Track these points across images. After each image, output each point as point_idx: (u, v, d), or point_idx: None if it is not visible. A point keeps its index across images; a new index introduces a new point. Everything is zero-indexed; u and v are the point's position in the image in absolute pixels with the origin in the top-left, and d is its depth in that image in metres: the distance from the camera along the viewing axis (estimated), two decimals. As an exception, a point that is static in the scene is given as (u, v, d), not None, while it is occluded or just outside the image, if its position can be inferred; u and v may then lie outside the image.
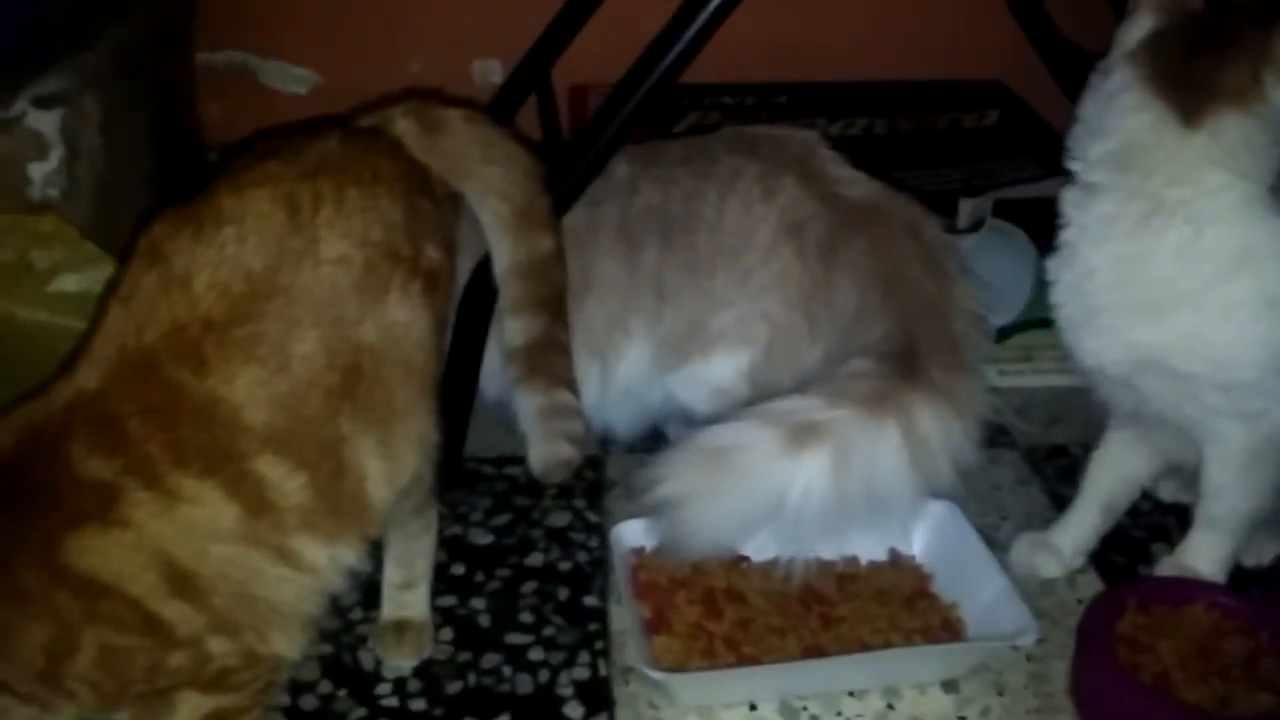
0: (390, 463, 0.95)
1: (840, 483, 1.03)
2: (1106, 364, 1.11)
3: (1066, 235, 1.12)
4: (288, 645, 0.93)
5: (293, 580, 0.91)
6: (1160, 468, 1.24)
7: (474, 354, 1.27)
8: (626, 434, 1.37)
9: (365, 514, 0.95)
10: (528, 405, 1.17)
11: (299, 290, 0.89)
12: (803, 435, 1.03)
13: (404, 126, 1.07)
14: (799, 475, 1.02)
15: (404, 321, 0.95)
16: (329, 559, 0.93)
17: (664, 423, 1.38)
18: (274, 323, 0.88)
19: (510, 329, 1.17)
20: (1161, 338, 1.06)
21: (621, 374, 1.31)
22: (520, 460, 1.37)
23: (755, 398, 1.23)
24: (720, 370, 1.26)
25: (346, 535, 0.94)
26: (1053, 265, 1.14)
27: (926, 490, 1.08)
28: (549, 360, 1.16)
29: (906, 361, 1.10)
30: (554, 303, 1.17)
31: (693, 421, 1.34)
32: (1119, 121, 1.06)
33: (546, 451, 1.17)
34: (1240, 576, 1.21)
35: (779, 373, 1.24)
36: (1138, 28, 1.08)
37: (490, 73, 1.95)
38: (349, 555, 0.94)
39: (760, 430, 1.04)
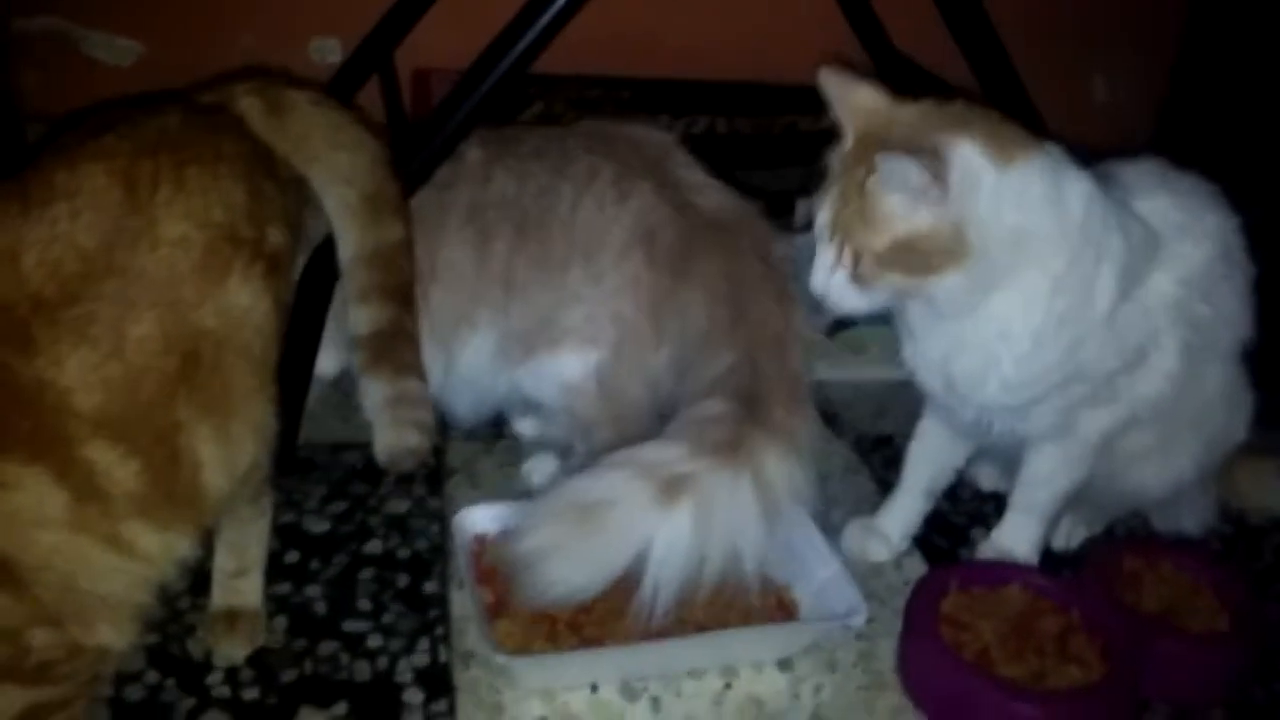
0: (227, 450, 0.92)
1: (700, 535, 1.04)
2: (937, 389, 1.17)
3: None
4: (115, 636, 0.88)
5: (123, 569, 0.87)
6: (973, 451, 1.31)
7: (311, 338, 1.24)
8: (467, 420, 1.36)
9: (200, 502, 0.91)
10: (373, 393, 1.14)
11: (135, 271, 0.85)
12: (669, 489, 1.03)
13: (247, 105, 1.04)
14: (663, 530, 1.03)
15: (245, 306, 0.92)
16: (161, 547, 0.89)
17: (507, 411, 1.37)
18: (108, 304, 0.84)
19: (356, 317, 1.14)
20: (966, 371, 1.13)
21: (464, 363, 1.29)
22: (357, 446, 1.37)
23: (602, 395, 1.25)
24: (569, 366, 1.26)
25: (181, 523, 0.90)
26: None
27: (772, 530, 1.10)
28: (396, 349, 1.14)
29: (754, 403, 1.12)
30: (402, 291, 1.15)
31: (537, 412, 1.35)
32: None
33: (393, 439, 1.14)
34: (1050, 559, 1.29)
35: (626, 374, 1.25)
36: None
37: (328, 51, 1.91)
38: (183, 544, 0.91)
39: (629, 483, 1.03)
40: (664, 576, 1.03)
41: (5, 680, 0.84)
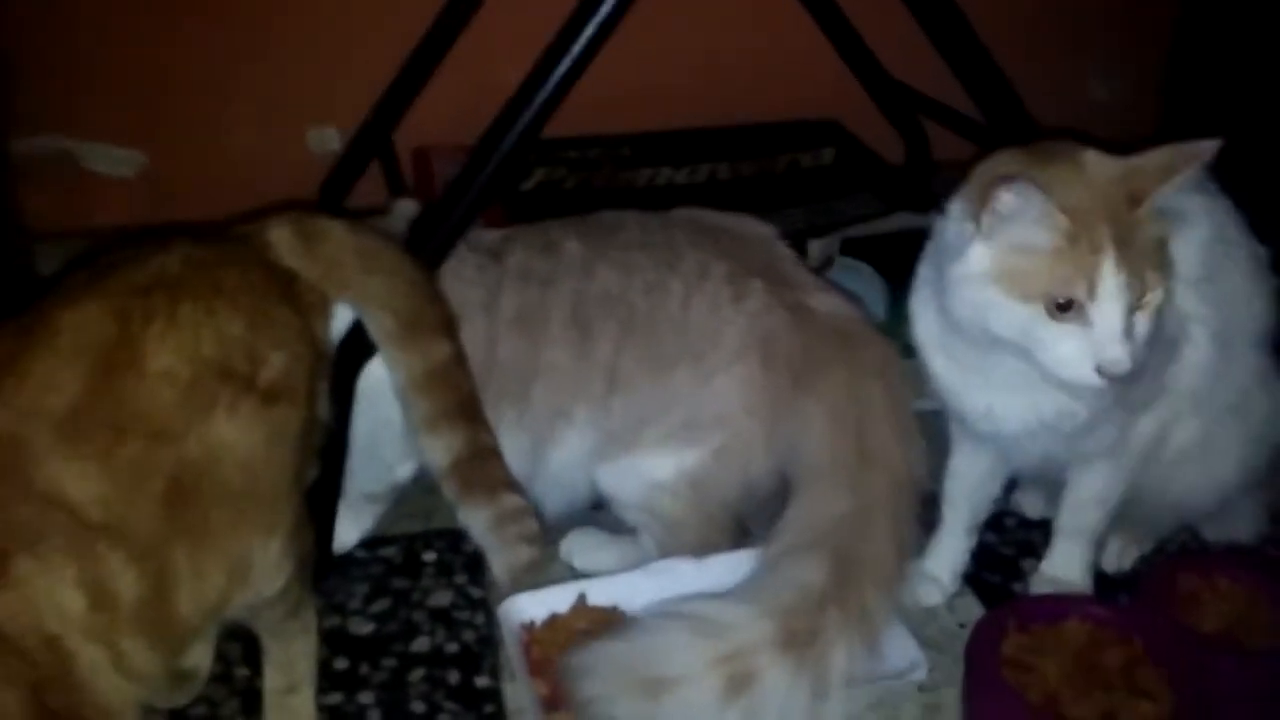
0: (196, 581, 0.91)
1: None
2: (1003, 423, 1.13)
3: None
4: None
5: (119, 687, 0.86)
6: (1009, 476, 1.29)
7: (339, 443, 1.23)
8: (554, 515, 1.31)
9: (174, 628, 0.90)
10: (476, 521, 1.14)
11: (124, 399, 0.88)
12: (735, 685, 1.00)
13: (276, 235, 1.06)
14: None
15: (230, 440, 0.93)
16: (151, 666, 0.88)
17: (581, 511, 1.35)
18: (101, 428, 0.86)
19: (432, 448, 1.13)
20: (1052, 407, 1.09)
21: (556, 459, 1.27)
22: (393, 540, 1.36)
23: (694, 497, 1.23)
24: (662, 466, 1.22)
25: (164, 645, 0.89)
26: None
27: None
28: (483, 469, 1.13)
29: (850, 575, 1.07)
30: (466, 408, 1.14)
31: (609, 509, 1.31)
32: None
33: (508, 560, 1.15)
34: (1103, 582, 1.27)
35: (726, 479, 1.22)
36: None
37: (327, 140, 1.92)
38: (162, 667, 0.90)
39: (702, 670, 1.00)
40: None
41: None
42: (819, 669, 1.03)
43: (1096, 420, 1.10)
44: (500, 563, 1.15)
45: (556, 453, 1.26)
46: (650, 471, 1.24)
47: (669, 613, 1.05)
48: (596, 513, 1.33)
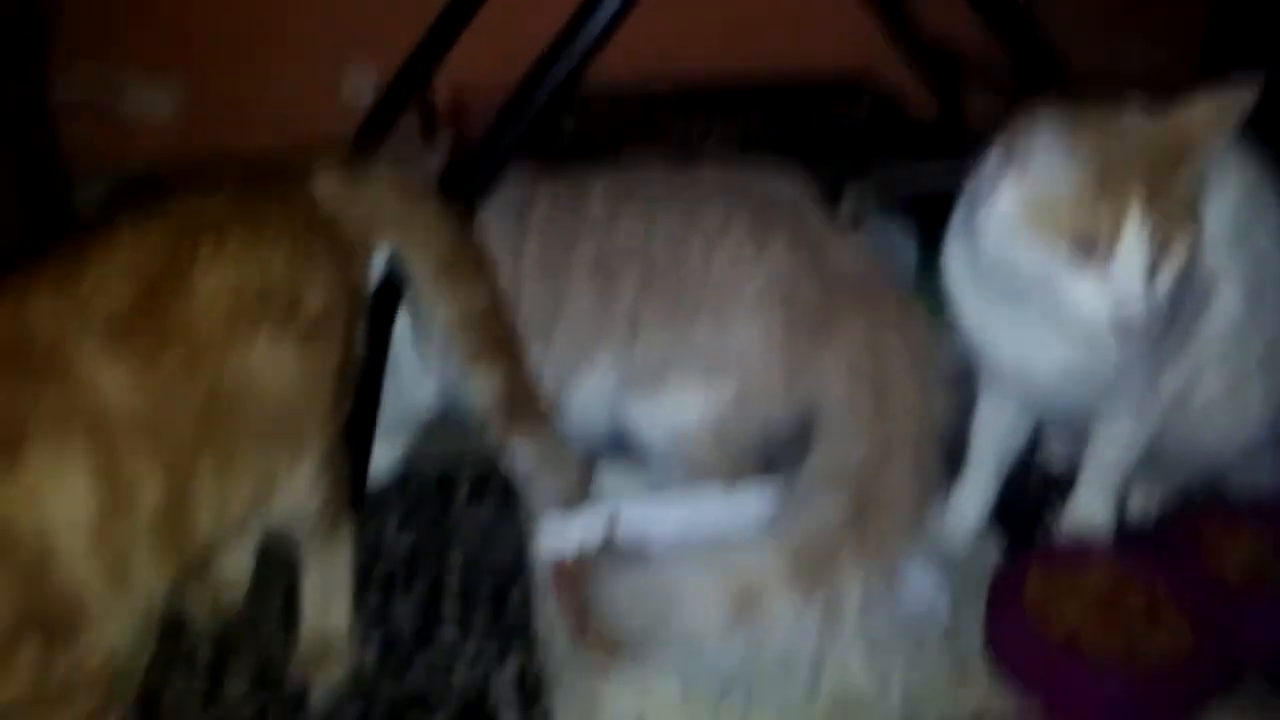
0: (217, 497, 0.93)
1: (752, 649, 1.07)
2: (1033, 374, 1.15)
3: None
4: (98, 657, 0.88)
5: (117, 599, 0.88)
6: (1035, 425, 1.30)
7: (376, 374, 1.25)
8: None
9: (190, 540, 0.92)
10: (523, 455, 1.18)
11: (171, 317, 0.90)
12: (740, 606, 1.06)
13: (322, 178, 1.08)
14: (718, 645, 1.06)
15: (265, 370, 0.95)
16: (156, 581, 0.90)
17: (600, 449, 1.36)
18: (148, 338, 0.88)
19: (474, 385, 1.16)
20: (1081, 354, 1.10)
21: (578, 402, 1.29)
22: (429, 465, 1.38)
23: (718, 443, 1.25)
24: (686, 410, 1.25)
25: (174, 559, 0.91)
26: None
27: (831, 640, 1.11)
28: (524, 405, 1.16)
29: (867, 515, 1.11)
30: (508, 346, 1.17)
31: (636, 456, 1.33)
32: None
33: (552, 491, 1.19)
34: (1126, 530, 1.28)
35: (747, 424, 1.25)
36: None
37: (364, 80, 1.93)
38: (165, 581, 0.92)
39: (708, 594, 1.06)
40: (714, 669, 1.07)
41: (33, 712, 0.84)
42: (832, 600, 1.06)
43: (1124, 370, 1.12)
44: (544, 494, 1.18)
45: (578, 395, 1.29)
46: (673, 416, 1.26)
47: (685, 545, 1.10)
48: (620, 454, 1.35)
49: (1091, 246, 0.99)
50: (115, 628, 0.87)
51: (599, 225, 1.28)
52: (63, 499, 0.82)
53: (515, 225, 1.29)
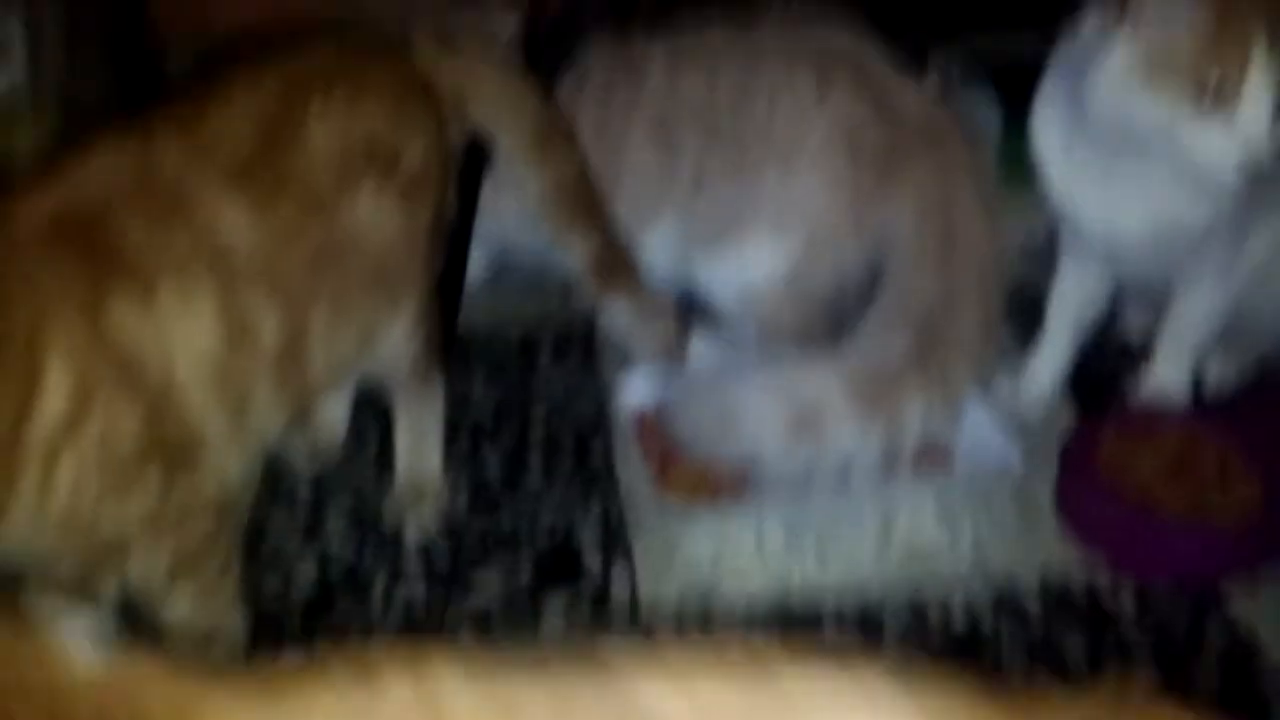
0: (326, 342, 0.98)
1: (809, 464, 1.11)
2: (1121, 236, 1.15)
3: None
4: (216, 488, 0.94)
5: (232, 434, 0.93)
6: (1115, 292, 1.30)
7: (464, 236, 1.29)
8: None
9: (304, 381, 0.97)
10: (616, 311, 1.22)
11: (284, 165, 0.94)
12: (799, 425, 1.09)
13: (419, 47, 1.10)
14: (777, 457, 1.10)
15: (369, 220, 0.99)
16: (270, 419, 0.95)
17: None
18: (263, 183, 0.92)
19: (569, 250, 1.19)
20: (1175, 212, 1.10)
21: (643, 263, 1.30)
22: (511, 328, 1.42)
23: (789, 295, 1.27)
24: (756, 263, 1.27)
25: (288, 399, 0.96)
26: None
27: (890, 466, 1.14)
28: (617, 266, 1.20)
29: (932, 348, 1.14)
30: (597, 210, 1.19)
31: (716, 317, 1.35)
32: None
33: (653, 343, 1.23)
34: (1203, 401, 1.28)
35: (818, 272, 1.26)
36: None
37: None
38: (279, 423, 0.97)
39: (767, 409, 1.10)
40: (772, 479, 1.11)
41: (153, 532, 0.89)
42: (892, 423, 1.10)
43: (1212, 231, 1.11)
44: (645, 347, 1.22)
45: (643, 255, 1.30)
46: (743, 270, 1.28)
47: (752, 367, 1.14)
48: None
49: (1215, 92, 0.98)
50: (230, 460, 0.93)
51: (659, 88, 1.28)
52: (190, 334, 0.87)
53: (576, 85, 1.30)
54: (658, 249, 1.30)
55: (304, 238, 0.94)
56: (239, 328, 0.89)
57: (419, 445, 1.17)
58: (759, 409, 1.09)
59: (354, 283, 1.00)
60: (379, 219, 1.00)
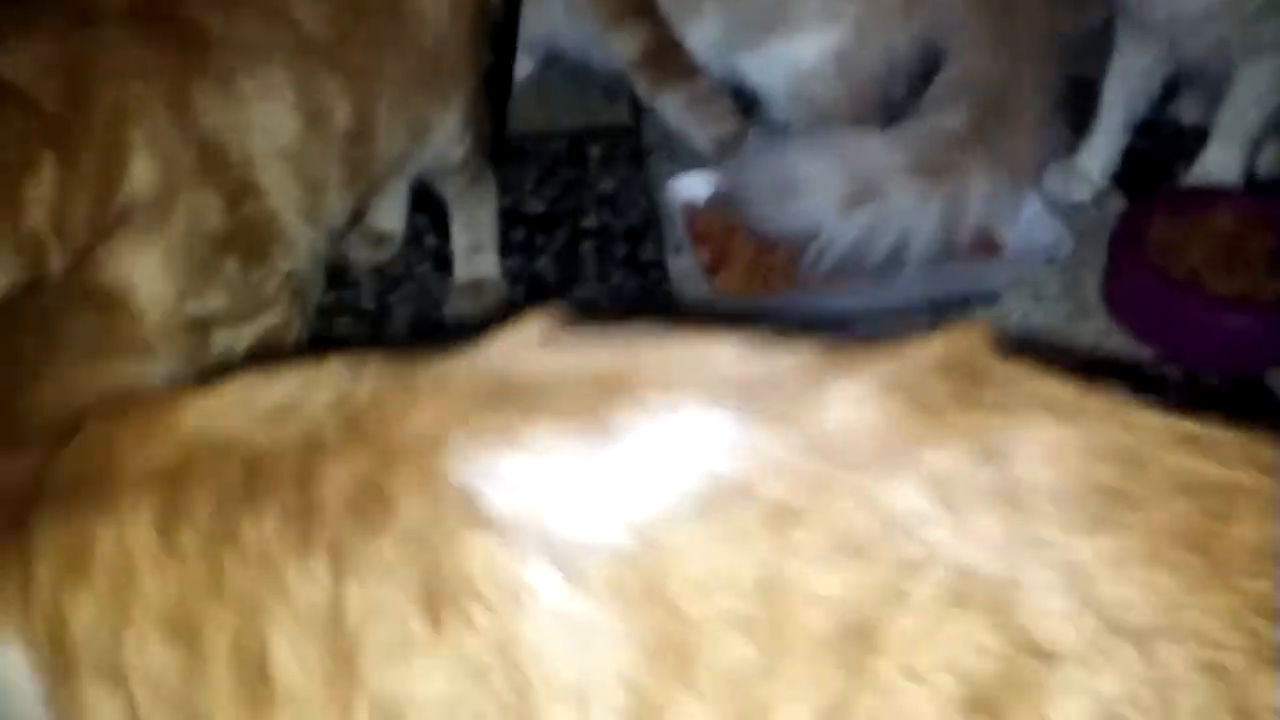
0: (390, 129, 0.99)
1: (867, 233, 1.09)
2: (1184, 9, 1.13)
3: None
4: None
5: (308, 215, 0.95)
6: (1170, 76, 1.28)
7: (510, 41, 1.28)
8: None
9: (370, 165, 0.99)
10: (672, 105, 1.21)
11: None
12: (857, 196, 1.08)
13: None
14: (832, 224, 1.08)
15: (426, 9, 1.00)
16: (340, 204, 0.97)
17: None
18: None
19: (620, 43, 1.18)
20: None
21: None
22: (560, 134, 1.43)
23: (840, 75, 1.25)
24: (805, 50, 1.25)
25: (356, 184, 0.98)
26: None
27: (950, 238, 1.12)
28: (669, 58, 1.18)
29: (993, 120, 1.11)
30: (645, 6, 1.18)
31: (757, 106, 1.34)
32: None
33: (713, 134, 1.22)
34: (1256, 187, 1.28)
35: (869, 52, 1.24)
36: None
37: None
38: (345, 207, 0.99)
39: (826, 177, 1.08)
40: (828, 254, 1.10)
41: (225, 329, 0.92)
42: (953, 198, 1.10)
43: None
44: (704, 137, 1.22)
45: (685, 45, 1.29)
46: (793, 56, 1.26)
47: (809, 135, 1.14)
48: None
49: None
50: (302, 250, 0.96)
51: None
52: (269, 119, 0.88)
53: None
54: (700, 42, 1.28)
55: (369, 19, 0.95)
56: (315, 111, 0.90)
57: (475, 245, 1.20)
58: (819, 177, 1.09)
59: (412, 70, 1.00)
60: (435, 9, 1.00)
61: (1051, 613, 0.39)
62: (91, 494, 0.47)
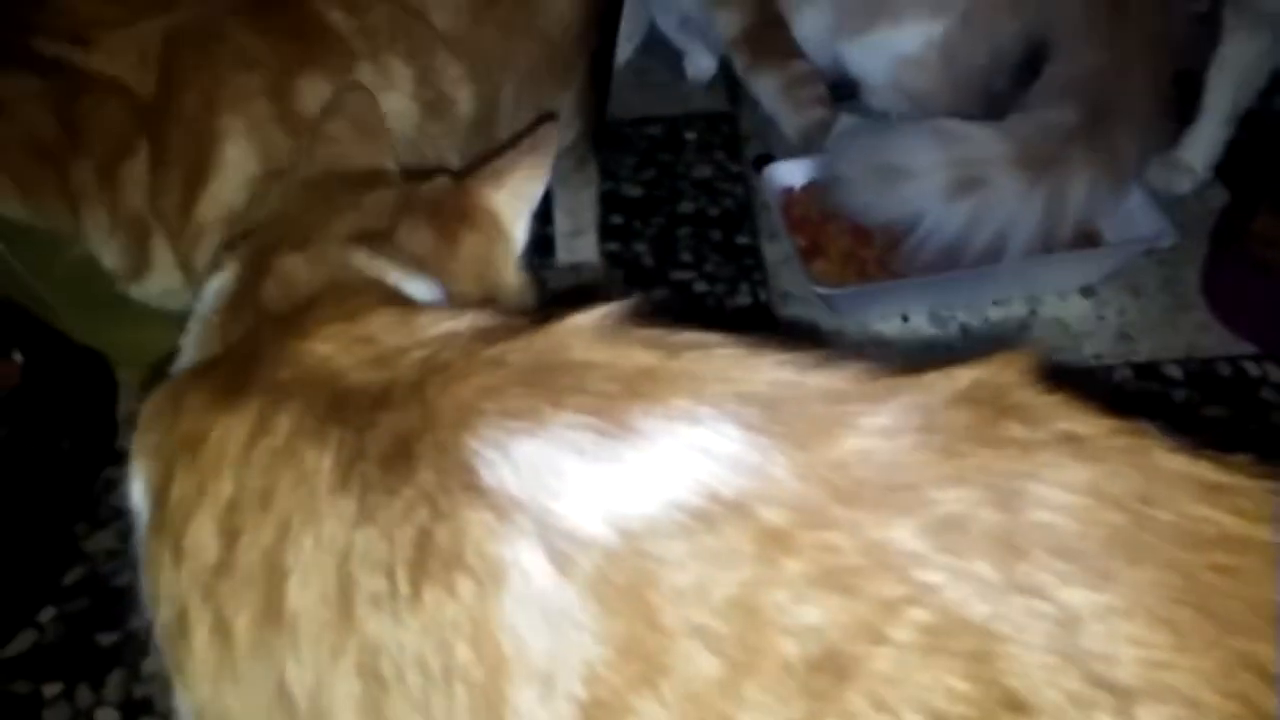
0: (511, 118, 1.00)
1: (970, 227, 1.08)
2: None
3: None
4: None
5: None
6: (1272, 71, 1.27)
7: (612, 29, 1.30)
8: None
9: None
10: (767, 85, 1.22)
11: None
12: (962, 185, 1.08)
13: None
14: (937, 213, 1.08)
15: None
16: None
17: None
18: None
19: (721, 20, 1.19)
20: None
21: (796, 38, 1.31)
22: (658, 120, 1.45)
23: (943, 64, 1.25)
24: (910, 38, 1.25)
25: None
26: None
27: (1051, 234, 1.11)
28: (770, 38, 1.20)
29: (1101, 118, 1.10)
30: None
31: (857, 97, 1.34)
32: None
33: (801, 121, 1.23)
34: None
35: (972, 43, 1.24)
36: None
37: None
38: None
39: (933, 168, 1.08)
40: (929, 242, 1.10)
41: None
42: (1057, 190, 1.09)
43: None
44: (793, 123, 1.23)
45: (795, 33, 1.30)
46: (897, 45, 1.27)
47: (919, 121, 1.14)
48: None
49: None
50: None
51: None
52: (387, 105, 0.88)
53: None
54: (809, 27, 1.29)
55: (499, 8, 0.96)
56: (437, 97, 0.92)
57: (576, 228, 1.22)
58: (924, 164, 1.09)
59: (538, 58, 1.02)
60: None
61: (1031, 665, 0.39)
62: (231, 386, 0.52)
